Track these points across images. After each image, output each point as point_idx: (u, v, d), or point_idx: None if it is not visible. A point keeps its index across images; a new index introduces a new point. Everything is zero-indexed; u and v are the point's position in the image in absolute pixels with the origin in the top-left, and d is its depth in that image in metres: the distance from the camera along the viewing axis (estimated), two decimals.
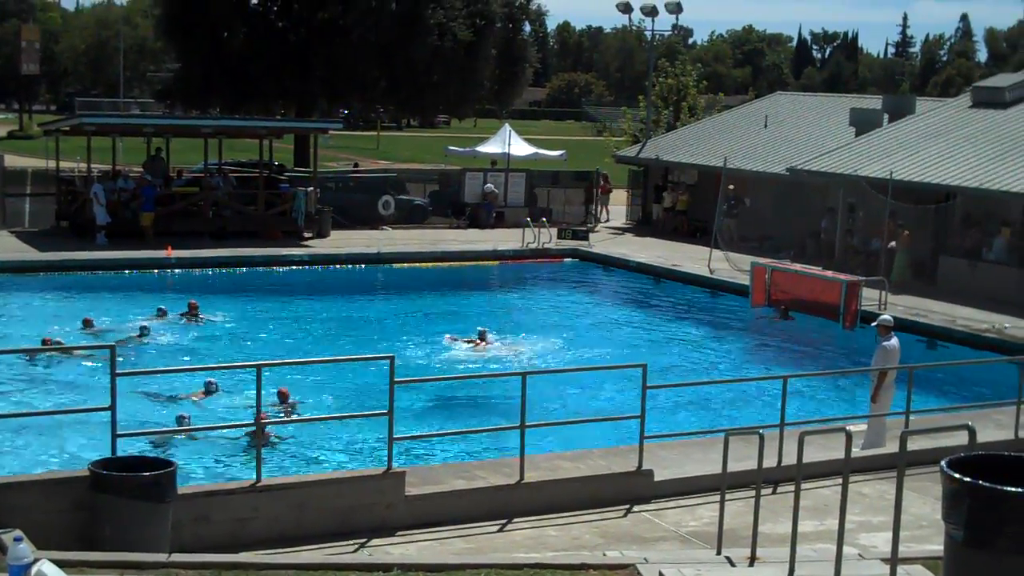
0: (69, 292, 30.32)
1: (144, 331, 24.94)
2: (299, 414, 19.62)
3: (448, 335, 26.25)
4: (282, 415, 19.46)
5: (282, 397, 19.84)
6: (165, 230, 35.70)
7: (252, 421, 13.67)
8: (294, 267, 35.00)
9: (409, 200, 44.35)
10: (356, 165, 58.74)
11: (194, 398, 20.38)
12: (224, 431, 18.26)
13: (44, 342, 22.52)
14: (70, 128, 40.18)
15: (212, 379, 20.56)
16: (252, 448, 16.91)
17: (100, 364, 21.01)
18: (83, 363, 22.59)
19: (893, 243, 32.89)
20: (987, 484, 7.36)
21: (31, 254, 33.46)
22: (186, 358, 23.66)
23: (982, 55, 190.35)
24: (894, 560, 8.81)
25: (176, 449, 17.49)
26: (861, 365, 20.34)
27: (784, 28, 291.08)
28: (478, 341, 25.71)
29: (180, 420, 18.37)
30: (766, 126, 45.57)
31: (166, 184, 39.34)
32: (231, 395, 20.50)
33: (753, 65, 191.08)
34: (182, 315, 27.04)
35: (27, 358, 22.40)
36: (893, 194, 31.86)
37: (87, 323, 25.56)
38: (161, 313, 27.02)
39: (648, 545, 12.78)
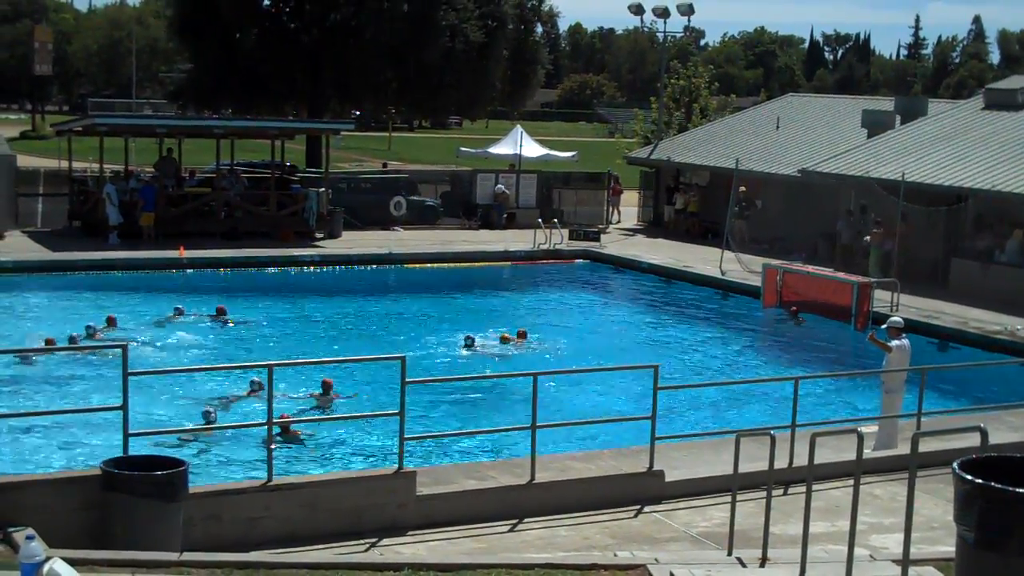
0: (81, 292, 30.38)
1: (90, 330, 24.85)
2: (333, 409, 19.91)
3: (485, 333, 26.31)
4: (327, 407, 19.86)
5: (325, 388, 20.28)
6: (177, 231, 35.76)
7: (265, 420, 13.65)
8: (306, 268, 35.05)
9: (421, 201, 44.38)
10: (385, 165, 58.91)
11: (241, 396, 20.54)
12: (252, 429, 18.23)
13: (47, 342, 22.56)
14: (82, 128, 40.29)
15: (257, 378, 20.61)
16: (282, 445, 17.09)
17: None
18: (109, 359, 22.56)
19: (867, 238, 33.48)
20: (999, 486, 7.35)
21: (43, 254, 33.55)
22: (198, 356, 23.75)
23: (995, 57, 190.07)
24: (905, 562, 8.80)
25: (212, 446, 17.65)
26: (873, 366, 20.30)
27: (796, 30, 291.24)
28: (515, 338, 26.10)
29: (207, 415, 18.44)
30: (778, 128, 45.52)
31: (178, 184, 39.44)
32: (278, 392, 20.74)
33: (765, 67, 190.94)
34: (211, 317, 27.21)
35: (25, 359, 22.42)
36: (905, 196, 31.82)
37: (110, 321, 25.65)
38: (178, 312, 27.16)
39: (659, 546, 12.77)
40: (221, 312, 27.43)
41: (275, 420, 13.85)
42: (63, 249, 34.16)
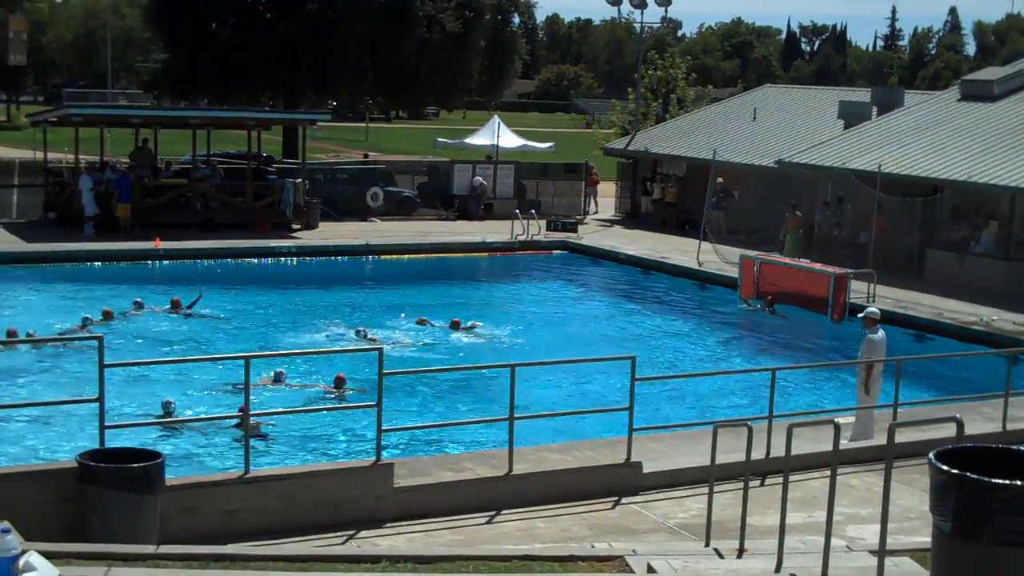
0: (57, 283, 30.23)
1: (86, 322, 24.80)
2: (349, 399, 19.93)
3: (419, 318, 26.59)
4: (340, 400, 19.95)
5: (338, 383, 20.43)
6: (153, 222, 35.61)
7: (240, 412, 13.61)
8: (282, 259, 34.94)
9: (398, 192, 44.30)
10: (366, 156, 58.79)
11: (263, 384, 20.64)
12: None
13: (9, 333, 22.45)
14: (57, 119, 40.09)
15: (282, 369, 20.96)
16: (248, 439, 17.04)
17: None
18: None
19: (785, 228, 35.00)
20: (975, 476, 7.37)
21: (19, 245, 33.36)
22: (167, 349, 23.65)
23: (970, 48, 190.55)
24: (882, 552, 8.81)
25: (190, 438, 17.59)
26: (849, 357, 20.38)
27: (773, 21, 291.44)
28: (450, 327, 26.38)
29: (166, 406, 18.35)
30: (755, 119, 45.59)
31: (154, 175, 39.25)
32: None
33: (742, 58, 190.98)
34: (166, 310, 27.08)
35: None
36: (882, 187, 31.91)
37: (106, 314, 25.65)
38: (138, 305, 26.97)
39: (636, 537, 12.78)
40: (176, 305, 27.29)
41: (257, 412, 13.83)
42: (38, 240, 33.97)
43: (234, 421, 17.12)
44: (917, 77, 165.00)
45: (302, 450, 17.91)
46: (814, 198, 36.93)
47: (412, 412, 19.62)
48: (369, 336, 24.99)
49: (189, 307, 27.18)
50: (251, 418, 17.35)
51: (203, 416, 18.32)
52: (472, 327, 26.63)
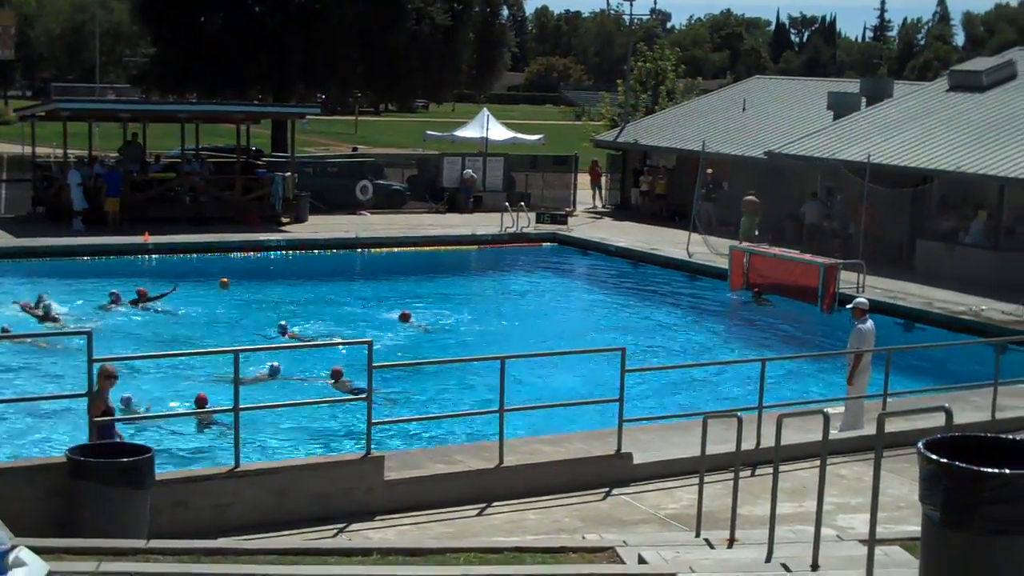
0: (45, 278, 30.13)
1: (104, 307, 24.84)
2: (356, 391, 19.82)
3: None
4: (344, 392, 19.86)
5: (335, 375, 20.35)
6: (142, 216, 35.51)
7: (230, 407, 13.58)
8: (272, 252, 34.89)
9: (387, 185, 44.26)
10: (355, 150, 58.75)
11: (260, 377, 20.62)
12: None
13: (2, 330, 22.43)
14: (45, 113, 39.94)
15: (276, 363, 20.91)
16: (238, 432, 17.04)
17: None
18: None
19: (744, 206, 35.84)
20: (964, 465, 7.39)
21: (6, 240, 33.27)
22: (147, 343, 23.63)
23: (959, 39, 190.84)
24: (872, 541, 8.84)
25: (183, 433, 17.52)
26: (839, 348, 20.40)
27: (762, 12, 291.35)
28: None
29: (125, 402, 18.27)
30: (744, 110, 45.62)
31: (143, 170, 39.15)
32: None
33: (731, 49, 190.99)
34: (131, 302, 26.93)
35: None
36: (871, 177, 31.96)
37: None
38: (115, 298, 26.87)
39: (627, 528, 12.80)
40: (143, 295, 27.19)
41: (250, 407, 13.79)
42: (27, 235, 33.89)
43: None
44: (906, 68, 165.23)
45: (294, 443, 17.90)
46: (804, 189, 37.00)
47: (402, 405, 19.64)
48: (289, 332, 24.74)
49: (156, 298, 27.02)
50: (214, 413, 17.43)
51: (190, 411, 18.26)
52: (422, 325, 26.51)
